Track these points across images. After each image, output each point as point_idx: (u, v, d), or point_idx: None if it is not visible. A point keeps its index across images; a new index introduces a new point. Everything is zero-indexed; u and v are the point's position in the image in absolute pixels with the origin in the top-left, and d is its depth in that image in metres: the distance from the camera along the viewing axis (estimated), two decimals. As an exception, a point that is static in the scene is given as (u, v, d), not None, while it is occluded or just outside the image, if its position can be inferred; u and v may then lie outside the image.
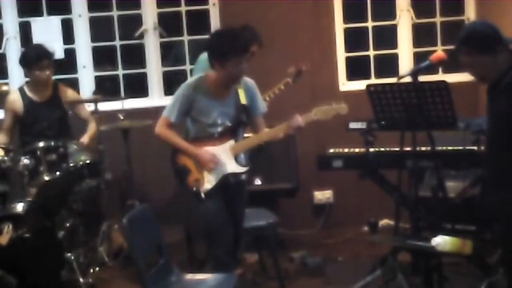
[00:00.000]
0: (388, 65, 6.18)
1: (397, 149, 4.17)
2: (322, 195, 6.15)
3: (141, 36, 6.09)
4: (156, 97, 6.13)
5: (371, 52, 6.19)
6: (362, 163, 4.57)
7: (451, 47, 3.42)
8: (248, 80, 4.09)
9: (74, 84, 5.89)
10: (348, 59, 6.19)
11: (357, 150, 4.64)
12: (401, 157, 4.15)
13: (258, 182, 5.45)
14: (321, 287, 4.85)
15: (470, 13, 6.12)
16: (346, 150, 4.74)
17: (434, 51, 5.36)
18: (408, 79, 3.96)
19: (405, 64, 6.11)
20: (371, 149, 4.52)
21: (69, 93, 5.39)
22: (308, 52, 5.93)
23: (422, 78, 3.97)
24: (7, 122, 5.24)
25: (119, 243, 5.22)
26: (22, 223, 4.37)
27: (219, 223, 3.98)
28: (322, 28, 6.05)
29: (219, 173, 3.98)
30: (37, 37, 5.86)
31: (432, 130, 4.05)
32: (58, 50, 5.70)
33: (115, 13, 6.10)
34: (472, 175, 4.39)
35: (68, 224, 4.85)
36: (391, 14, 6.17)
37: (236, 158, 4.02)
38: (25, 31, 6.00)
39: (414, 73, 3.91)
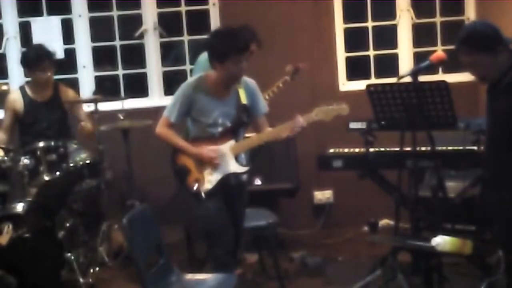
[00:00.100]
0: (388, 65, 6.18)
1: (397, 149, 4.16)
2: (322, 195, 6.15)
3: (141, 36, 6.10)
4: (156, 97, 6.13)
5: (371, 52, 6.19)
6: (362, 163, 4.57)
7: (451, 47, 3.42)
8: (249, 80, 4.09)
9: (74, 84, 5.89)
10: (348, 59, 6.19)
11: (357, 150, 4.64)
12: (401, 157, 4.15)
13: (258, 182, 5.45)
14: (321, 287, 4.85)
15: (470, 13, 6.13)
16: (346, 150, 4.74)
17: (434, 51, 5.37)
18: (408, 79, 3.97)
19: (405, 64, 6.11)
20: (371, 149, 4.52)
21: (70, 94, 5.39)
22: (308, 52, 5.93)
23: (422, 78, 3.97)
24: (6, 121, 5.24)
25: (119, 243, 5.22)
26: (22, 223, 4.37)
27: (220, 224, 3.97)
28: (322, 28, 6.05)
29: (219, 173, 3.98)
30: (37, 37, 5.87)
31: (432, 130, 4.05)
32: (58, 50, 5.70)
33: (115, 13, 6.10)
34: (472, 175, 4.39)
35: (68, 224, 4.85)
36: (391, 14, 6.17)
37: (237, 158, 4.02)
38: (25, 31, 6.00)
39: (414, 73, 3.91)
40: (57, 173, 4.88)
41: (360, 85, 5.62)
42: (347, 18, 6.14)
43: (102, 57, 6.21)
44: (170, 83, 6.08)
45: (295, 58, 5.37)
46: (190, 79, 4.17)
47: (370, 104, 4.34)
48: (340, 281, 4.74)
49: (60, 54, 5.86)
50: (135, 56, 6.20)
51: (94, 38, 6.11)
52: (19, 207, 4.51)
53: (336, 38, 6.11)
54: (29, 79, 5.29)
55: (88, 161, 5.06)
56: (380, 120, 4.37)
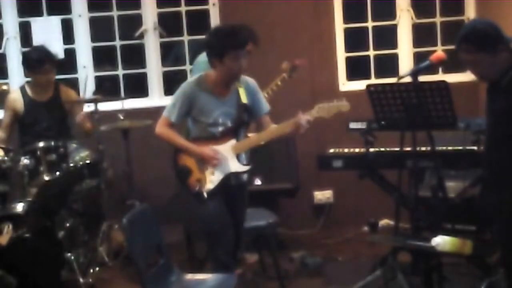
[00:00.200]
0: (388, 65, 6.18)
1: (397, 149, 4.16)
2: (322, 195, 6.15)
3: (141, 36, 6.10)
4: (156, 97, 6.13)
5: (371, 52, 6.19)
6: (362, 163, 4.57)
7: (451, 47, 3.42)
8: (249, 80, 4.09)
9: (74, 84, 5.88)
10: (348, 59, 6.19)
11: (357, 150, 4.64)
12: (401, 157, 4.15)
13: (258, 182, 5.45)
14: (321, 287, 4.85)
15: (470, 13, 6.13)
16: (346, 150, 4.74)
17: (434, 51, 5.37)
18: (408, 79, 3.97)
19: (405, 64, 6.11)
20: (371, 149, 4.52)
21: (70, 94, 5.39)
22: (308, 52, 5.93)
23: (422, 78, 3.97)
24: (6, 120, 5.25)
25: (119, 243, 5.22)
26: (22, 223, 4.37)
27: (220, 224, 3.97)
28: (322, 28, 6.05)
29: (221, 172, 3.98)
30: (37, 37, 5.87)
31: (432, 130, 4.05)
32: (58, 50, 5.70)
33: (115, 13, 6.10)
34: (472, 175, 4.39)
35: (68, 224, 4.85)
36: (391, 14, 6.17)
37: (238, 158, 4.02)
38: (25, 31, 6.00)
39: (414, 73, 3.92)
40: (57, 173, 4.88)
41: (360, 85, 5.62)
42: (347, 18, 6.14)
43: (102, 57, 6.21)
44: (170, 83, 6.07)
45: (295, 58, 5.36)
46: (190, 79, 4.17)
47: (370, 104, 4.35)
48: (340, 281, 4.74)
49: (60, 54, 5.86)
50: (135, 56, 6.20)
51: (94, 38, 6.11)
52: (19, 207, 4.51)
53: (336, 38, 6.11)
54: (29, 79, 5.29)
55: (88, 161, 5.06)
56: (380, 120, 4.37)
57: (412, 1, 6.14)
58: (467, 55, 3.23)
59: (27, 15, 6.03)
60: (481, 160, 3.66)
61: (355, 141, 4.62)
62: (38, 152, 4.86)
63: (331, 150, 4.79)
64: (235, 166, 4.00)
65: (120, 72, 6.16)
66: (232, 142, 3.99)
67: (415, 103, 4.05)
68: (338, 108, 3.94)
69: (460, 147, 4.33)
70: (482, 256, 4.20)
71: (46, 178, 4.84)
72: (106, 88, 5.78)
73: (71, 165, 4.94)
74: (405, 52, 6.17)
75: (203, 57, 4.67)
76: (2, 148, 4.80)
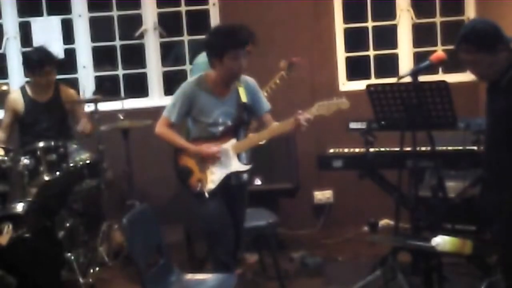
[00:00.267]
0: (388, 65, 6.18)
1: (397, 149, 4.16)
2: (322, 195, 6.15)
3: (141, 36, 6.10)
4: (156, 97, 6.13)
5: (371, 52, 6.19)
6: (362, 163, 4.57)
7: (451, 47, 3.42)
8: (249, 79, 4.10)
9: (74, 84, 5.89)
10: (348, 59, 6.19)
11: (357, 150, 4.64)
12: (401, 157, 4.15)
13: (258, 182, 5.45)
14: (321, 287, 4.85)
15: (470, 13, 6.13)
16: (346, 150, 4.74)
17: (434, 51, 5.37)
18: (408, 79, 3.97)
19: (405, 64, 6.11)
20: (371, 149, 4.52)
21: (71, 94, 5.38)
22: (308, 52, 5.93)
23: (422, 78, 3.97)
24: (6, 120, 5.24)
25: (119, 243, 5.22)
26: (22, 223, 4.37)
27: (221, 224, 3.97)
28: (322, 28, 6.05)
29: (222, 172, 3.98)
30: (37, 37, 5.87)
31: (432, 130, 4.05)
32: (58, 50, 5.70)
33: (115, 13, 6.10)
34: (472, 175, 4.39)
35: (68, 224, 4.85)
36: (391, 14, 6.17)
37: (238, 157, 4.02)
38: (25, 31, 6.00)
39: (414, 73, 3.92)
40: (57, 173, 4.88)
41: (360, 85, 5.62)
42: (347, 18, 6.14)
43: (102, 57, 6.21)
44: (170, 83, 6.08)
45: (293, 56, 5.35)
46: (190, 79, 4.17)
47: (370, 104, 4.35)
48: (340, 281, 4.74)
49: (60, 54, 5.86)
50: (135, 56, 6.20)
51: (94, 38, 6.11)
52: (19, 207, 4.51)
53: (336, 38, 6.11)
54: (29, 79, 5.29)
55: (88, 161, 5.06)
56: (380, 120, 4.37)
57: (412, 1, 6.14)
58: (467, 55, 3.23)
59: (27, 15, 6.03)
60: (481, 160, 3.66)
61: (355, 141, 4.62)
62: (38, 152, 4.86)
63: (331, 150, 4.79)
64: (236, 165, 4.00)
65: (120, 72, 6.16)
66: (232, 141, 3.99)
67: (415, 103, 4.05)
68: (337, 106, 3.94)
69: (460, 147, 4.33)
70: (482, 256, 4.20)
71: (46, 178, 4.84)
72: (106, 88, 5.78)
73: (71, 165, 4.94)
74: (405, 52, 6.17)
75: (202, 57, 4.68)
76: (2, 148, 4.80)
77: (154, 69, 6.14)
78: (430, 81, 4.17)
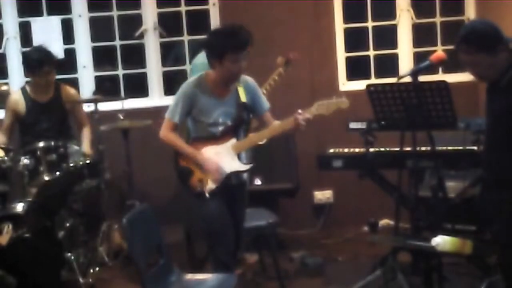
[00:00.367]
0: (388, 65, 6.18)
1: (397, 149, 4.16)
2: (322, 195, 6.15)
3: (141, 36, 6.10)
4: (156, 97, 6.13)
5: (371, 52, 6.19)
6: (362, 163, 4.57)
7: (451, 47, 3.42)
8: (248, 79, 4.10)
9: (74, 84, 5.88)
10: (348, 59, 6.19)
11: (357, 150, 4.64)
12: (401, 157, 4.15)
13: (258, 182, 5.45)
14: (321, 287, 4.85)
15: (470, 13, 6.13)
16: (346, 150, 4.74)
17: (434, 51, 5.36)
18: (408, 79, 3.97)
19: (405, 64, 6.11)
20: (371, 149, 4.52)
21: (72, 93, 5.38)
22: (308, 52, 5.93)
23: (422, 78, 3.97)
24: (7, 121, 5.24)
25: (119, 243, 5.22)
26: (22, 223, 4.37)
27: (221, 224, 3.97)
28: (322, 28, 6.05)
29: (222, 172, 3.97)
30: (37, 37, 5.87)
31: (432, 130, 4.05)
32: (58, 50, 5.71)
33: (115, 13, 6.10)
34: (472, 175, 4.39)
35: (68, 224, 4.85)
36: (391, 14, 6.17)
37: (238, 157, 4.02)
38: (25, 31, 6.00)
39: (414, 73, 3.92)
40: (57, 173, 4.88)
41: (360, 85, 5.62)
42: (347, 18, 6.14)
43: (102, 57, 6.21)
44: (170, 83, 6.08)
45: (289, 52, 5.34)
46: (190, 79, 4.16)
47: (370, 104, 4.35)
48: (340, 281, 4.74)
49: (60, 54, 5.87)
50: (135, 56, 6.20)
51: (94, 38, 6.11)
52: (19, 207, 4.51)
53: (336, 38, 6.11)
54: (29, 79, 5.29)
55: (88, 161, 5.05)
56: (380, 120, 4.37)
57: (412, 1, 6.14)
58: (467, 55, 3.23)
59: (27, 15, 6.03)
60: (481, 160, 3.66)
61: (355, 141, 4.62)
62: (38, 152, 4.87)
63: (331, 150, 4.79)
64: (236, 165, 4.00)
65: (120, 72, 6.16)
66: (232, 141, 3.99)
67: (415, 103, 4.05)
68: (337, 105, 3.94)
69: (460, 147, 4.33)
70: (482, 256, 4.20)
71: (46, 178, 4.84)
72: (106, 88, 5.78)
73: (71, 165, 4.94)
74: (405, 52, 6.17)
75: (200, 58, 4.68)
76: (2, 148, 4.80)
77: (154, 69, 6.14)
78: (430, 81, 4.16)
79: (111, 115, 5.44)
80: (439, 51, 4.88)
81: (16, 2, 6.01)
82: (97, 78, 6.11)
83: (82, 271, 4.73)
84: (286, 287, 4.65)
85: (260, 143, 4.10)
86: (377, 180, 4.61)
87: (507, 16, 5.31)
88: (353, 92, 5.61)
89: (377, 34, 6.18)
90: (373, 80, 6.06)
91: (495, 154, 3.30)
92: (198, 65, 4.69)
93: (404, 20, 6.15)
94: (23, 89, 5.29)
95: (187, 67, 6.09)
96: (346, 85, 6.14)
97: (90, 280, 4.77)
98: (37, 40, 5.81)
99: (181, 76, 6.03)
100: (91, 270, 4.88)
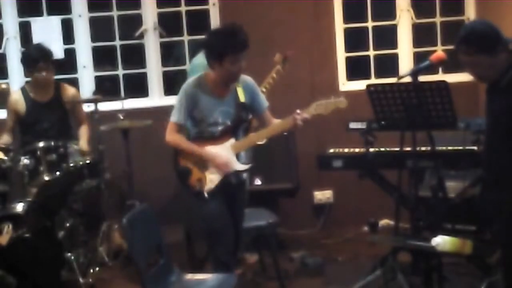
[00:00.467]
0: (388, 65, 6.18)
1: (397, 149, 4.16)
2: (322, 195, 6.15)
3: (141, 36, 6.10)
4: (156, 97, 6.13)
5: (371, 52, 6.19)
6: (362, 163, 4.57)
7: (451, 47, 3.42)
8: (247, 78, 4.10)
9: (74, 84, 5.88)
10: (348, 59, 6.19)
11: (357, 150, 4.64)
12: (401, 157, 4.15)
13: (258, 182, 5.45)
14: (321, 287, 4.85)
15: (470, 13, 6.13)
16: (346, 150, 4.74)
17: (434, 51, 5.36)
18: (408, 79, 3.97)
19: (405, 64, 6.11)
20: (371, 149, 4.52)
21: (72, 92, 5.38)
22: (308, 52, 5.93)
23: (422, 78, 3.97)
24: (9, 123, 5.24)
25: (119, 243, 5.22)
26: (22, 223, 4.37)
27: (221, 223, 3.98)
28: (322, 28, 6.05)
29: (221, 172, 3.98)
30: (37, 37, 5.86)
31: (432, 130, 4.05)
32: (58, 50, 5.71)
33: (115, 13, 6.10)
34: (472, 175, 4.39)
35: (68, 224, 4.85)
36: (391, 14, 6.17)
37: (237, 156, 4.02)
38: (25, 31, 6.00)
39: (414, 73, 3.92)
40: (57, 173, 4.88)
41: (360, 85, 5.62)
42: (347, 18, 6.14)
43: (102, 57, 6.21)
44: (170, 83, 6.08)
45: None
46: (190, 79, 4.16)
47: (370, 104, 4.34)
48: (340, 281, 4.74)
49: (60, 54, 5.87)
50: (135, 56, 6.20)
51: (94, 38, 6.11)
52: (19, 207, 4.51)
53: (336, 38, 6.11)
54: (29, 79, 5.29)
55: (88, 161, 5.05)
56: (380, 120, 4.37)
57: (412, 1, 6.14)
58: (467, 56, 3.23)
59: (27, 15, 6.03)
60: (481, 160, 3.66)
61: (355, 141, 4.62)
62: (38, 152, 4.87)
63: (331, 150, 4.79)
64: (235, 165, 4.00)
65: (120, 72, 6.16)
66: (231, 141, 4.00)
67: (415, 103, 4.05)
68: (335, 105, 3.94)
69: (460, 147, 4.33)
70: (482, 256, 4.20)
71: (46, 178, 4.85)
72: (106, 88, 5.78)
73: (71, 165, 4.94)
74: (405, 52, 6.17)
75: (199, 59, 4.69)
76: (2, 148, 4.80)
77: (154, 69, 6.14)
78: (430, 81, 4.16)
79: (111, 115, 5.44)
80: (439, 51, 4.88)
81: (16, 2, 6.01)
82: (97, 78, 6.11)
83: (82, 271, 4.73)
84: (286, 287, 4.65)
85: (260, 142, 4.10)
86: (377, 180, 4.61)
87: (507, 16, 5.31)
88: (353, 92, 5.62)
89: (377, 34, 6.18)
90: (373, 80, 6.06)
91: (495, 154, 3.30)
92: (197, 65, 4.68)
93: (404, 20, 6.15)
94: (22, 89, 5.29)
95: (187, 67, 6.08)
96: (346, 85, 6.14)
97: (90, 280, 4.77)
98: (37, 40, 5.81)
99: (181, 76, 6.03)
100: (91, 270, 4.88)
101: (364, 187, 4.87)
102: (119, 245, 5.22)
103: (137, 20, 6.10)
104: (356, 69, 6.24)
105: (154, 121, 5.16)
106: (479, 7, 6.05)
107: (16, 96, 5.25)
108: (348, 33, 6.16)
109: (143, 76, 6.18)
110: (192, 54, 5.82)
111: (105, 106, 5.56)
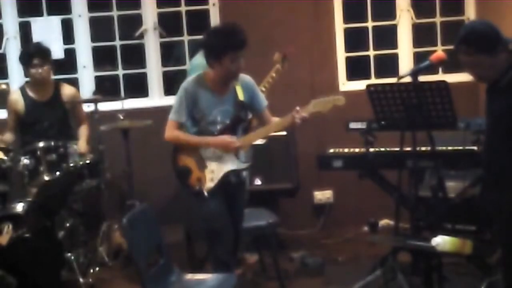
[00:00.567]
0: (388, 65, 6.18)
1: (397, 149, 4.16)
2: (322, 195, 6.15)
3: (141, 36, 6.10)
4: (156, 97, 6.13)
5: (371, 52, 6.19)
6: (362, 163, 4.57)
7: (451, 47, 3.42)
8: (246, 77, 4.10)
9: (74, 84, 5.88)
10: (348, 59, 6.19)
11: (357, 150, 4.64)
12: (401, 157, 4.15)
13: (258, 182, 5.45)
14: (321, 287, 4.85)
15: (470, 13, 6.13)
16: (346, 150, 4.74)
17: (434, 51, 5.37)
18: (408, 79, 3.97)
19: (405, 64, 6.11)
20: (371, 149, 4.52)
21: (71, 91, 5.38)
22: (308, 52, 5.93)
23: (422, 78, 3.97)
24: (10, 122, 5.25)
25: (119, 243, 5.22)
26: (22, 223, 4.37)
27: (222, 223, 3.98)
28: (322, 28, 6.05)
29: (220, 171, 3.98)
30: (37, 37, 5.86)
31: (432, 130, 4.05)
32: (58, 50, 5.70)
33: (115, 13, 6.10)
34: (472, 175, 4.39)
35: (68, 224, 4.85)
36: (391, 14, 6.17)
37: (237, 155, 4.02)
38: (25, 31, 6.00)
39: (414, 73, 3.92)
40: (57, 173, 4.88)
41: (360, 85, 5.62)
42: (347, 18, 6.14)
43: (102, 57, 6.21)
44: (170, 83, 6.08)
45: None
46: (189, 78, 4.16)
47: (370, 104, 4.34)
48: (340, 281, 4.74)
49: (60, 54, 5.87)
50: (135, 56, 6.20)
51: (94, 38, 6.11)
52: (19, 207, 4.51)
53: (336, 38, 6.11)
54: (28, 79, 5.29)
55: (88, 161, 5.05)
56: (380, 120, 4.37)
57: (412, 1, 6.14)
58: (467, 56, 3.23)
59: (27, 15, 6.03)
60: (481, 160, 3.66)
61: (355, 141, 4.62)
62: (38, 152, 4.87)
63: (331, 150, 4.79)
64: (234, 163, 4.00)
65: (120, 72, 6.16)
66: (231, 140, 4.00)
67: (415, 103, 4.05)
68: (333, 102, 3.93)
69: (460, 147, 4.33)
70: (482, 256, 4.20)
71: (46, 178, 4.85)
72: (106, 88, 5.78)
73: (71, 165, 4.94)
74: (405, 52, 6.17)
75: (198, 59, 4.69)
76: (2, 148, 4.80)
77: (154, 69, 6.14)
78: (430, 81, 4.16)
79: (111, 115, 5.44)
80: (439, 51, 4.89)
81: (16, 2, 6.01)
82: (97, 78, 6.11)
83: (82, 271, 4.73)
84: (286, 287, 4.65)
85: (259, 141, 4.10)
86: (377, 180, 4.61)
87: (507, 16, 5.31)
88: (353, 92, 5.63)
89: (377, 34, 6.18)
90: (373, 80, 6.06)
91: (495, 154, 3.30)
92: (196, 66, 4.68)
93: (404, 20, 6.15)
94: (22, 89, 5.29)
95: (187, 67, 6.08)
96: (346, 85, 6.14)
97: (90, 280, 4.77)
98: (37, 40, 5.81)
99: (181, 76, 6.02)
100: (91, 270, 4.88)
101: (364, 187, 4.87)
102: (119, 245, 5.22)
103: (137, 20, 6.10)
104: (356, 69, 6.24)
105: (154, 121, 5.16)
106: (479, 7, 6.05)
107: (16, 96, 5.25)
108: (348, 33, 6.16)
109: (143, 76, 6.18)
110: (192, 54, 5.83)
111: (105, 106, 5.56)
